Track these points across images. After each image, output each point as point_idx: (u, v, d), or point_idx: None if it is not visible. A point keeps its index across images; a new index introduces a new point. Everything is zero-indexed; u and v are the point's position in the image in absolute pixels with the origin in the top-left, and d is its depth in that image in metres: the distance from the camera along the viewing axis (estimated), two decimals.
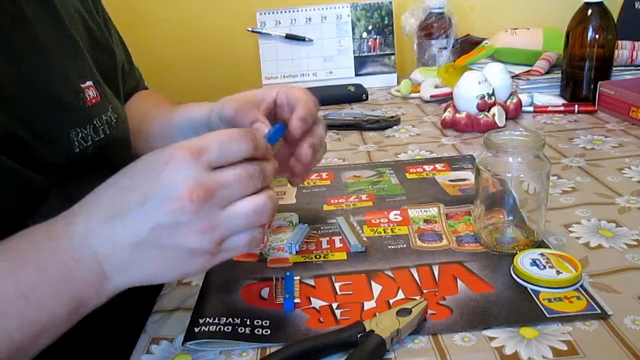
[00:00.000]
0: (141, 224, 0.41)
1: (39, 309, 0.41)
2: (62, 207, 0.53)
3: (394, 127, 1.02)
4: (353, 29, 1.32)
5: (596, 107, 1.02)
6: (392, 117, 1.06)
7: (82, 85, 0.58)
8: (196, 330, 0.49)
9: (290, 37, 1.31)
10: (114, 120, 0.62)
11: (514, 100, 1.01)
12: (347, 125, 1.04)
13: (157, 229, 0.41)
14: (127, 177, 0.44)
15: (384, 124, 1.03)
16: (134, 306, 0.60)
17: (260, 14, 1.31)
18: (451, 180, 0.77)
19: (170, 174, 0.41)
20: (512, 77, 1.08)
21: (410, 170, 0.81)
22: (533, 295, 0.51)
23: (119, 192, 0.43)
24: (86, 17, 0.66)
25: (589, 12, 1.01)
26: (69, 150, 0.55)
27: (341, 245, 0.62)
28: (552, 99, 1.07)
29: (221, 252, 0.44)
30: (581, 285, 0.52)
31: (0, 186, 0.48)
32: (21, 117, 0.50)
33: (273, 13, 1.31)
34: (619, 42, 1.14)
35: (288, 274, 0.56)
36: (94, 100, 0.59)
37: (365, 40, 1.32)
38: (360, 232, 0.63)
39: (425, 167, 0.82)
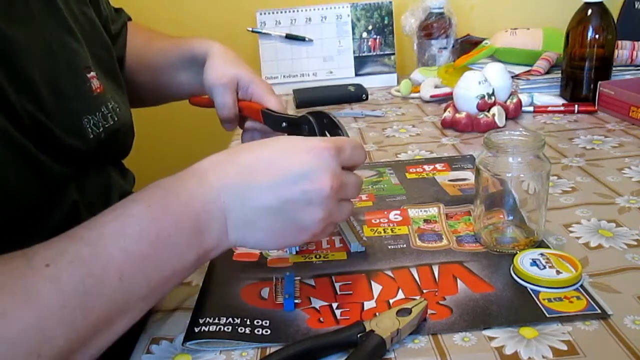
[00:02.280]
0: (276, 193, 0.46)
1: (173, 254, 0.44)
2: (82, 199, 0.58)
3: (394, 127, 1.02)
4: (353, 29, 1.32)
5: (596, 107, 1.02)
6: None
7: (88, 75, 0.61)
8: (196, 330, 0.49)
9: (290, 37, 1.31)
10: (118, 108, 0.65)
11: (514, 100, 1.01)
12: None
13: (290, 201, 0.46)
14: (262, 150, 0.49)
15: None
16: None
17: (260, 14, 1.31)
18: (451, 180, 0.77)
19: (314, 159, 0.47)
20: (512, 77, 1.08)
21: (410, 170, 0.81)
22: (533, 295, 0.51)
23: (253, 161, 0.48)
24: (86, 13, 0.68)
25: (589, 12, 1.01)
26: (85, 136, 0.58)
27: (341, 245, 0.62)
28: (552, 99, 1.07)
29: (319, 235, 0.50)
30: (581, 285, 0.52)
31: (24, 173, 0.50)
32: (39, 104, 0.53)
33: (273, 13, 1.31)
34: (619, 42, 1.14)
35: (288, 274, 0.56)
36: (98, 90, 0.62)
37: (365, 40, 1.32)
38: (360, 232, 0.63)
39: (425, 167, 0.82)
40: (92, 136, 0.59)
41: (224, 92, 0.72)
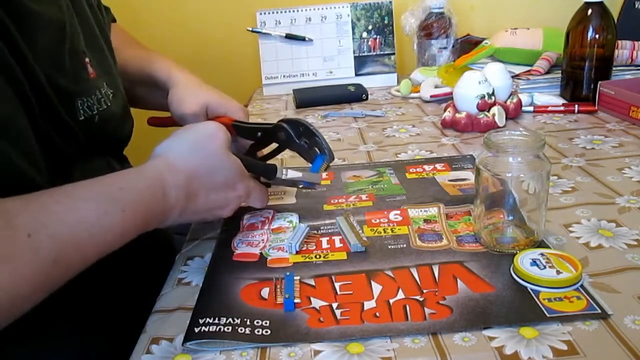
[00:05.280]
0: (208, 198, 0.60)
1: (127, 239, 0.53)
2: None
3: (394, 127, 1.02)
4: (353, 28, 1.32)
5: (596, 107, 1.02)
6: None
7: (85, 60, 0.64)
8: (196, 330, 0.49)
9: (290, 37, 1.31)
10: (111, 94, 0.68)
11: (514, 100, 1.01)
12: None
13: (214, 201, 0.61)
14: (202, 161, 0.59)
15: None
16: (134, 306, 0.60)
17: (260, 14, 1.31)
18: (451, 180, 0.77)
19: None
20: (512, 77, 1.08)
21: (411, 170, 0.81)
22: (533, 295, 0.51)
23: (195, 170, 0.58)
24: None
25: (589, 12, 1.01)
26: (75, 117, 0.61)
27: (341, 245, 0.62)
28: (552, 98, 1.07)
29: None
30: (581, 285, 0.52)
31: (37, 147, 0.55)
32: (48, 75, 0.57)
33: (273, 13, 1.31)
34: (619, 42, 1.14)
35: (288, 274, 0.56)
36: (92, 75, 0.65)
37: (365, 40, 1.32)
38: (360, 232, 0.63)
39: (426, 167, 0.82)
40: (82, 118, 0.62)
41: (197, 120, 0.75)
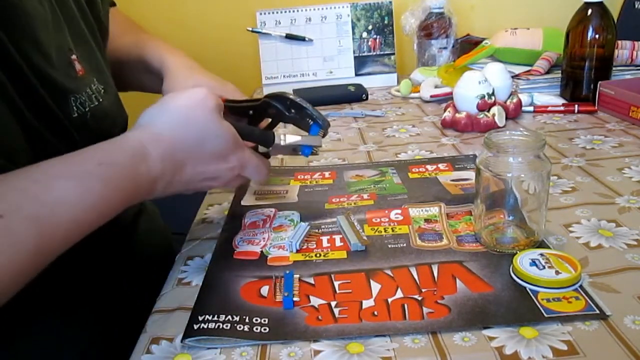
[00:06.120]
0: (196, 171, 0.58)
1: (106, 218, 0.50)
2: None
3: (394, 127, 1.02)
4: (353, 29, 1.32)
5: (596, 107, 1.02)
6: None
7: (72, 57, 0.62)
8: (195, 327, 0.49)
9: (290, 37, 1.31)
10: (102, 90, 0.66)
11: (514, 100, 1.01)
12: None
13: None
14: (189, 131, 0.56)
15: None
16: (134, 306, 0.60)
17: (260, 14, 1.31)
18: (454, 180, 0.77)
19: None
20: (512, 77, 1.08)
21: (413, 169, 0.81)
22: (532, 295, 0.51)
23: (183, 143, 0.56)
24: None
25: (589, 12, 1.01)
26: (69, 114, 0.59)
27: (342, 243, 0.62)
28: (552, 98, 1.07)
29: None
30: (580, 286, 0.52)
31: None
32: (40, 69, 0.55)
33: (273, 13, 1.31)
34: (619, 42, 1.14)
35: (288, 272, 0.56)
36: (80, 73, 0.63)
37: (365, 40, 1.32)
38: (361, 231, 0.63)
39: (428, 166, 0.82)
40: (75, 115, 0.60)
41: None
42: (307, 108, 0.65)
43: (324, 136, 0.67)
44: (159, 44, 0.82)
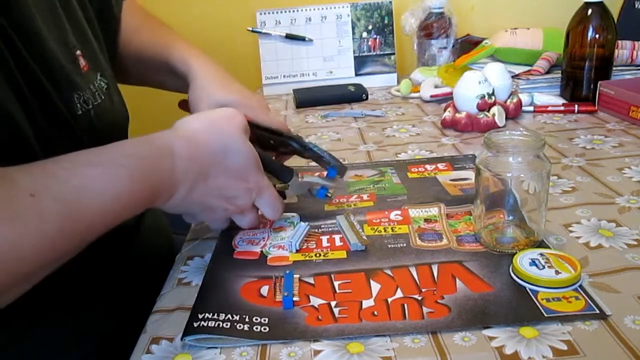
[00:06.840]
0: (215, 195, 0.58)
1: (133, 212, 0.51)
2: None
3: (394, 127, 1.02)
4: (353, 28, 1.32)
5: (596, 107, 1.02)
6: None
7: (76, 53, 0.62)
8: (195, 325, 0.49)
9: (290, 37, 1.31)
10: (105, 86, 0.66)
11: (514, 100, 1.01)
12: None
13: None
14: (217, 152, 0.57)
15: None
16: (134, 306, 0.60)
17: (260, 14, 1.31)
18: (453, 180, 0.77)
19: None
20: (512, 77, 1.08)
21: (412, 169, 0.81)
22: (531, 295, 0.51)
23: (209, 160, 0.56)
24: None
25: (589, 12, 1.01)
26: (73, 111, 0.59)
27: (341, 243, 0.62)
28: (552, 98, 1.07)
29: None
30: (580, 286, 0.52)
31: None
32: (43, 67, 0.56)
33: (273, 13, 1.31)
34: (619, 42, 1.14)
35: (288, 272, 0.56)
36: (85, 69, 0.63)
37: (365, 40, 1.32)
38: (360, 231, 0.63)
39: (427, 166, 0.82)
40: (80, 112, 0.60)
41: None
42: (323, 156, 0.67)
43: (342, 177, 0.69)
44: (184, 46, 0.81)
